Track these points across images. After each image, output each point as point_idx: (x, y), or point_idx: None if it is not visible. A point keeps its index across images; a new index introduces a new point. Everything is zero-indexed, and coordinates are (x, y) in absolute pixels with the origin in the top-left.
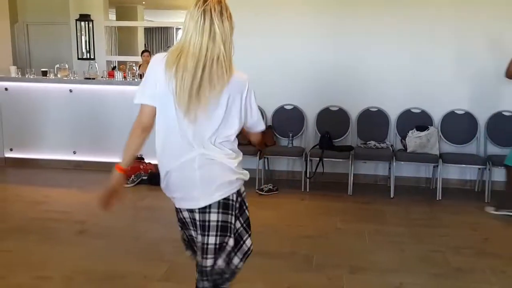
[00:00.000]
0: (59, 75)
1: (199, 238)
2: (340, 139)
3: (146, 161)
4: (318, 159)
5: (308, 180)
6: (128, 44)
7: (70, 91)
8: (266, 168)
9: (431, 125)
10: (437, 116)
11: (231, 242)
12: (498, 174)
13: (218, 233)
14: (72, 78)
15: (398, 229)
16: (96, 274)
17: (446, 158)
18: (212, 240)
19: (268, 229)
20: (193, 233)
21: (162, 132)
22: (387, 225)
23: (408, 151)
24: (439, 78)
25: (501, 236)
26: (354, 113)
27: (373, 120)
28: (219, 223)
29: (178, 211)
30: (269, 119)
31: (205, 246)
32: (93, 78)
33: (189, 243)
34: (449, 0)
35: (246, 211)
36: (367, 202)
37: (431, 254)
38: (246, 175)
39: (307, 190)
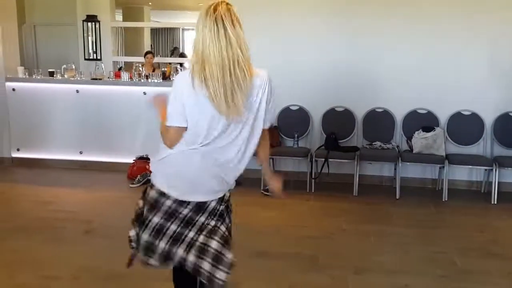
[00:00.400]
0: (66, 76)
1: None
2: (346, 139)
3: None
4: (323, 159)
5: (313, 180)
6: (134, 45)
7: (77, 91)
8: (272, 168)
9: (437, 126)
10: (443, 117)
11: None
12: (505, 175)
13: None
14: (78, 78)
15: (403, 230)
16: (102, 273)
17: (452, 159)
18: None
19: (273, 230)
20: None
21: (184, 145)
22: (393, 226)
23: (414, 152)
24: (445, 79)
25: (508, 237)
26: (360, 113)
27: (379, 121)
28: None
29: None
30: (275, 120)
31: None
32: (100, 79)
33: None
34: (457, 0)
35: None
36: (372, 203)
37: (437, 255)
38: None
39: (312, 190)
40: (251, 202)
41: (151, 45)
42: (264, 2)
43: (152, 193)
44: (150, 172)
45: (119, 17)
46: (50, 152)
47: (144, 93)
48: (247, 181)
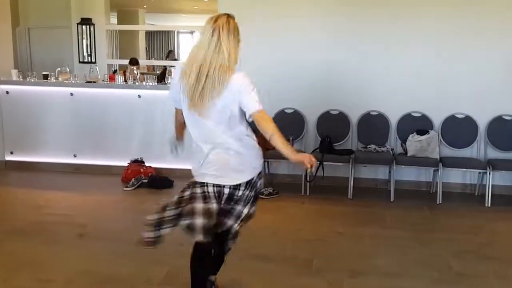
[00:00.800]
0: (60, 79)
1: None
2: (341, 142)
3: (147, 164)
4: (318, 163)
5: (308, 184)
6: (129, 48)
7: (71, 94)
8: (267, 171)
9: (432, 129)
10: (437, 120)
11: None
12: (498, 178)
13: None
14: (73, 81)
15: (398, 233)
16: (97, 277)
17: (446, 162)
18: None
19: (268, 233)
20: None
21: (189, 129)
22: (388, 229)
23: (408, 155)
24: (439, 82)
25: (503, 240)
26: (354, 116)
27: (374, 124)
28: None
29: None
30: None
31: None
32: (94, 82)
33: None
34: (448, 2)
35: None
36: (367, 206)
37: (432, 258)
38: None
39: (308, 193)
40: None
41: (146, 48)
42: (260, 5)
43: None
44: (145, 175)
45: (114, 20)
46: (44, 155)
47: (139, 96)
48: None
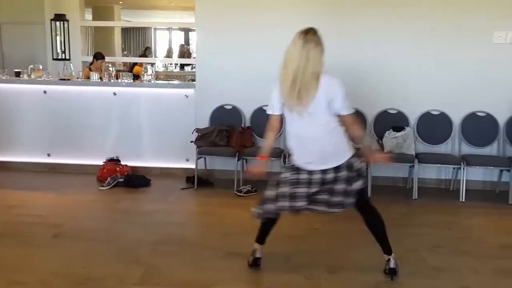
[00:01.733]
0: (32, 76)
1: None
2: None
3: (123, 163)
4: None
5: None
6: (104, 44)
7: (44, 92)
8: (245, 169)
9: (407, 125)
10: (413, 116)
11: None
12: (472, 173)
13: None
14: (46, 79)
15: None
16: (72, 277)
17: (422, 158)
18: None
19: (247, 230)
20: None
21: (289, 128)
22: (364, 225)
23: (384, 151)
24: (414, 79)
25: (476, 234)
26: None
27: None
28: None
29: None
30: (248, 120)
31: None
32: (68, 79)
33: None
34: (431, 2)
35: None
36: None
37: (408, 253)
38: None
39: None
40: (224, 203)
41: (123, 47)
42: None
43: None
44: (121, 174)
45: (88, 16)
46: (17, 155)
47: (114, 94)
48: (220, 182)
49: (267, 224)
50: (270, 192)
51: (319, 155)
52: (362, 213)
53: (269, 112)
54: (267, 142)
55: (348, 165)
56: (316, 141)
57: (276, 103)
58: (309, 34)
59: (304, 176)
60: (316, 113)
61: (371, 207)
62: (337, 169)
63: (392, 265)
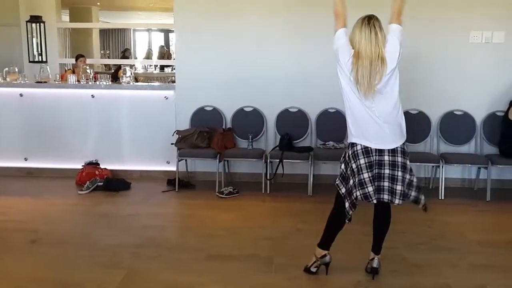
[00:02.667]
0: (8, 79)
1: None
2: (300, 140)
3: (102, 166)
4: (278, 160)
5: (268, 182)
6: (82, 46)
7: (21, 95)
8: (226, 170)
9: None
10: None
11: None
12: (451, 171)
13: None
14: (22, 81)
15: (356, 228)
16: (50, 283)
17: None
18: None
19: (229, 232)
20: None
21: (351, 113)
22: (346, 224)
23: None
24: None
25: (455, 231)
26: (313, 114)
27: (332, 121)
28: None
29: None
30: (229, 121)
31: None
32: (45, 82)
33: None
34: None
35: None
36: (326, 202)
37: (388, 251)
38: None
39: (268, 192)
40: (206, 205)
41: (101, 51)
42: (217, 2)
43: None
44: (101, 177)
45: (65, 17)
46: None
47: (92, 96)
48: (202, 184)
49: (337, 226)
50: (342, 191)
51: (384, 134)
52: (379, 208)
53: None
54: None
55: (403, 151)
56: (385, 120)
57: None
58: (372, 19)
59: (363, 160)
60: (386, 96)
61: (389, 205)
62: (394, 151)
63: (375, 264)
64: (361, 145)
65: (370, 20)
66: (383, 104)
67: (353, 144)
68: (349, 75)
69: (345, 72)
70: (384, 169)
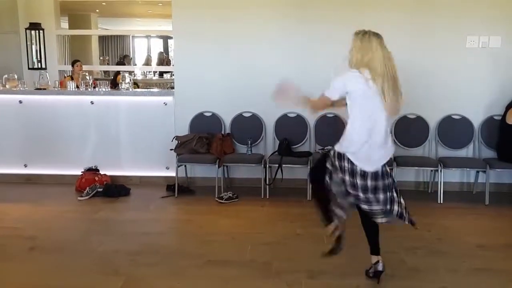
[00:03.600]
0: (7, 86)
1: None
2: (299, 145)
3: (102, 172)
4: (277, 165)
5: (267, 187)
6: (82, 53)
7: (20, 102)
8: (226, 176)
9: None
10: (390, 120)
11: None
12: (449, 175)
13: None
14: (21, 88)
15: (355, 231)
16: None
17: (400, 161)
18: None
19: (228, 237)
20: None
21: (360, 121)
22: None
23: None
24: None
25: (453, 235)
26: (312, 119)
27: (330, 126)
28: None
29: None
30: (228, 127)
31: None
32: (44, 89)
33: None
34: (405, 7)
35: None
36: None
37: (387, 255)
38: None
39: (267, 196)
40: (205, 211)
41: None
42: (214, 9)
43: None
44: (100, 183)
45: (64, 24)
46: None
47: (92, 102)
48: (201, 190)
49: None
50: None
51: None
52: (362, 212)
53: (327, 94)
54: (313, 98)
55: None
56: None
57: (342, 89)
58: (376, 35)
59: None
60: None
61: None
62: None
63: (380, 267)
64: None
65: (375, 36)
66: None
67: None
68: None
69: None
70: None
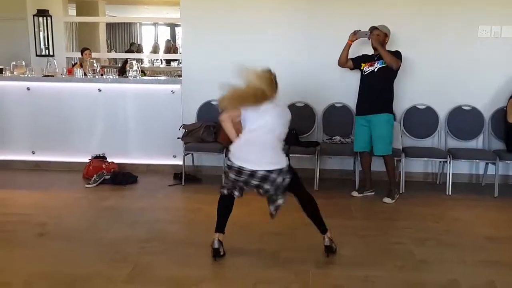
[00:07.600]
0: (15, 73)
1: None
2: (306, 135)
3: (109, 160)
4: (285, 155)
5: None
6: (89, 40)
7: (28, 89)
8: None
9: (394, 120)
10: (399, 111)
11: None
12: (458, 167)
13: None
14: (29, 75)
15: (363, 223)
16: (57, 277)
17: (408, 152)
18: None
19: (236, 227)
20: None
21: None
22: (353, 219)
23: None
24: (400, 74)
25: (462, 226)
26: (319, 109)
27: (338, 116)
28: None
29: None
30: None
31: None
32: (52, 76)
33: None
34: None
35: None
36: (333, 197)
37: (396, 246)
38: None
39: None
40: (212, 200)
41: (107, 41)
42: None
43: None
44: (107, 171)
45: (72, 11)
46: (0, 153)
47: (99, 90)
48: (208, 178)
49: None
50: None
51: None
52: (298, 198)
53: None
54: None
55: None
56: None
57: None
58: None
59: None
60: None
61: (306, 192)
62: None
63: (326, 242)
64: None
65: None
66: None
67: None
68: None
69: None
70: None
